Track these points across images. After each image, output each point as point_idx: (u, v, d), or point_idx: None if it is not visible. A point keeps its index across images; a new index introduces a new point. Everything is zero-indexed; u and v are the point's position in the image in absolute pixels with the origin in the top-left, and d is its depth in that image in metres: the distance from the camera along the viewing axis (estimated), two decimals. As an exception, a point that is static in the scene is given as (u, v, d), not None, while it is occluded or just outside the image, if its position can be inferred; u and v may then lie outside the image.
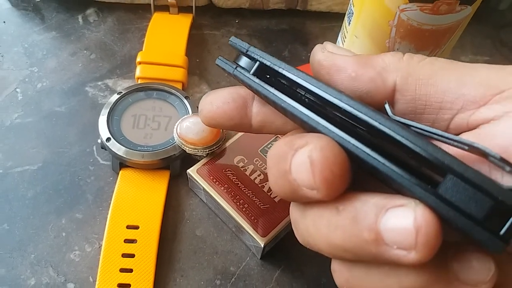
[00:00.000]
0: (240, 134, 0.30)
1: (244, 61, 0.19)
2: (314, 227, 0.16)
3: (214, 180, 0.28)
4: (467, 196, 0.13)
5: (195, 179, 0.28)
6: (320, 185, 0.14)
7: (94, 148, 0.31)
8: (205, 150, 0.28)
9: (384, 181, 0.15)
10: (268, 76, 0.18)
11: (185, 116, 0.30)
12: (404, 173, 0.14)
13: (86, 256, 0.27)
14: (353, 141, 0.15)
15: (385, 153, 0.15)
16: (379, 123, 0.15)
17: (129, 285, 0.26)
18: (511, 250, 0.14)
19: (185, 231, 0.29)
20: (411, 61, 0.17)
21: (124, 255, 0.27)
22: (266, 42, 0.39)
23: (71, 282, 0.26)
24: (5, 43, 0.37)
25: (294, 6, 0.39)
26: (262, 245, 0.26)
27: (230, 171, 0.28)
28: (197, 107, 0.32)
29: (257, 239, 0.26)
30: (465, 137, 0.16)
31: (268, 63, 0.18)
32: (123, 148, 0.29)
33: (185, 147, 0.28)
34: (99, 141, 0.30)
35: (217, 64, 0.19)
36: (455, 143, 0.15)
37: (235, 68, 0.19)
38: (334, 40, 0.34)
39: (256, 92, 0.18)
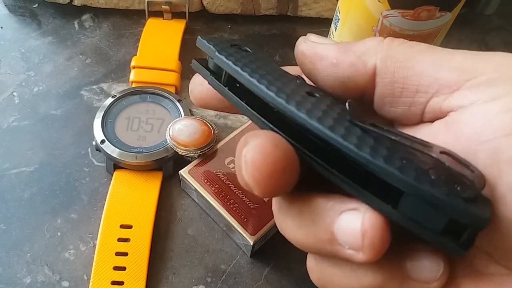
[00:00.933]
0: (231, 136, 0.31)
1: (215, 65, 0.18)
2: (285, 224, 0.17)
3: (206, 181, 0.29)
4: (424, 213, 0.13)
5: (187, 180, 0.29)
6: (252, 184, 0.15)
7: (89, 150, 0.32)
8: (196, 152, 0.29)
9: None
10: (238, 85, 0.17)
11: (178, 118, 0.31)
12: (357, 186, 0.14)
13: (81, 255, 0.28)
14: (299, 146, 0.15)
15: (337, 162, 0.14)
16: (327, 137, 0.14)
17: (122, 282, 0.26)
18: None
19: (177, 231, 0.29)
20: (391, 44, 0.17)
21: (118, 254, 0.27)
22: (258, 47, 0.39)
23: (66, 280, 0.27)
24: (2, 48, 0.38)
25: (285, 12, 0.40)
26: (252, 243, 0.26)
27: (221, 172, 0.29)
28: (190, 110, 0.33)
29: (246, 237, 0.26)
30: (437, 125, 0.16)
31: (231, 74, 0.17)
32: (117, 150, 0.30)
33: (177, 148, 0.29)
34: (93, 143, 0.30)
35: (192, 67, 0.19)
36: (422, 148, 0.14)
37: (209, 74, 0.18)
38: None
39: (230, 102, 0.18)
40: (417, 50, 0.17)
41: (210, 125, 0.30)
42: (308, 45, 0.18)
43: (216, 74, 0.18)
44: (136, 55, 0.36)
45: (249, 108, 0.17)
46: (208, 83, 0.19)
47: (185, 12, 0.39)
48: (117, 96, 0.32)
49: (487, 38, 0.42)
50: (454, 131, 0.15)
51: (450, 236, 0.13)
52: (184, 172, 0.29)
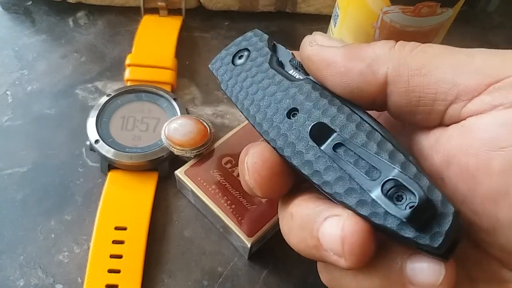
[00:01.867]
0: (228, 135, 0.30)
1: None
2: (282, 226, 0.18)
3: (202, 181, 0.28)
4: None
5: (183, 181, 0.28)
6: (254, 185, 0.17)
7: (83, 150, 0.32)
8: (193, 152, 0.29)
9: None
10: None
11: (173, 117, 0.30)
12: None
13: (75, 257, 0.27)
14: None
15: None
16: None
17: (117, 285, 0.26)
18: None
19: (173, 232, 0.29)
20: (403, 50, 0.16)
21: (112, 256, 0.27)
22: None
23: (59, 283, 0.26)
24: (-5, 46, 0.37)
25: (283, 8, 0.40)
26: (249, 245, 0.26)
27: (218, 172, 0.28)
28: (186, 109, 0.32)
29: (244, 239, 0.26)
30: (452, 129, 0.16)
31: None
32: (112, 150, 0.29)
33: (173, 148, 0.29)
34: (88, 143, 0.30)
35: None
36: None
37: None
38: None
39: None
40: (431, 55, 0.16)
41: (207, 124, 0.30)
42: (314, 50, 0.17)
43: None
44: (131, 52, 0.35)
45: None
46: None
47: (182, 8, 0.38)
48: (112, 95, 0.31)
49: (489, 36, 0.42)
50: (470, 135, 0.15)
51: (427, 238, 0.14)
52: (180, 173, 0.28)
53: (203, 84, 0.36)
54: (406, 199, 0.14)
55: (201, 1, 0.39)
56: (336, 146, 0.16)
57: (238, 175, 0.28)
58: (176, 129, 0.29)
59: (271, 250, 0.28)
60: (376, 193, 0.14)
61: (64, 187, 0.30)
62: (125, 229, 0.28)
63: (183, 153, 0.29)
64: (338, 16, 0.28)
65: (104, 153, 0.29)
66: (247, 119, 0.19)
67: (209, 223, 0.29)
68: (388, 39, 0.26)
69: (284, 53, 0.20)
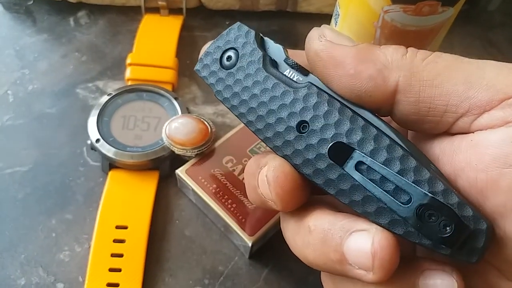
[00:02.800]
0: (229, 134, 0.30)
1: None
2: (293, 240, 0.17)
3: (203, 180, 0.28)
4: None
5: (184, 180, 0.28)
6: (275, 199, 0.16)
7: (84, 149, 0.32)
8: (194, 151, 0.29)
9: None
10: None
11: (174, 116, 0.30)
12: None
13: (76, 256, 0.27)
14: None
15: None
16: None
17: (118, 284, 0.26)
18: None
19: (174, 231, 0.29)
20: (414, 59, 0.16)
21: (113, 255, 0.27)
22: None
23: (60, 282, 0.27)
24: (-4, 46, 0.37)
25: (284, 7, 0.40)
26: (250, 244, 0.26)
27: (219, 171, 0.28)
28: (187, 108, 0.32)
29: (245, 238, 0.26)
30: (459, 140, 0.15)
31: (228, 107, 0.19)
32: (113, 149, 0.29)
33: (174, 147, 0.29)
34: (88, 142, 0.30)
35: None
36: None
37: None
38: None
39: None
40: (443, 66, 0.15)
41: (208, 123, 0.30)
42: (324, 46, 0.16)
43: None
44: (132, 52, 0.35)
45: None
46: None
47: (183, 8, 0.38)
48: (113, 94, 0.31)
49: (490, 35, 0.42)
50: (479, 151, 0.15)
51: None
52: (181, 172, 0.28)
53: (204, 83, 0.36)
54: (439, 217, 0.14)
55: (201, 0, 0.39)
56: (358, 164, 0.15)
57: (239, 174, 0.28)
58: (177, 128, 0.29)
59: (272, 249, 0.28)
60: (408, 217, 0.15)
61: (65, 186, 0.30)
62: (126, 228, 0.28)
63: (184, 152, 0.29)
64: (339, 15, 0.28)
65: (105, 152, 0.29)
66: (253, 132, 0.18)
67: (210, 222, 0.29)
68: (389, 38, 0.26)
69: (275, 49, 0.18)
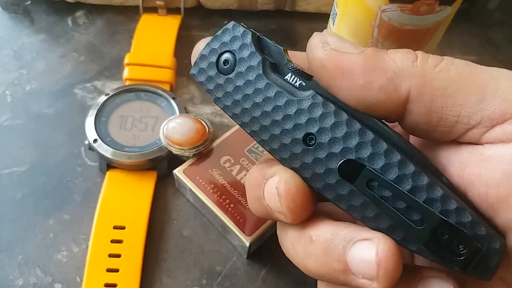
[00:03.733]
0: (227, 134, 0.30)
1: None
2: (293, 250, 0.17)
3: (201, 180, 0.28)
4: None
5: (182, 180, 0.28)
6: (286, 212, 0.16)
7: (82, 149, 0.32)
8: (191, 151, 0.28)
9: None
10: None
11: (172, 116, 0.30)
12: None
13: (74, 257, 0.27)
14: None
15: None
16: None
17: (116, 284, 0.26)
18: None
19: (172, 231, 0.29)
20: (426, 65, 0.15)
21: (111, 255, 0.27)
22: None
23: (58, 282, 0.26)
24: (-6, 46, 0.37)
25: (283, 7, 0.40)
26: (248, 245, 0.26)
27: (217, 171, 0.28)
28: (185, 108, 0.32)
29: (243, 238, 0.26)
30: (468, 151, 0.15)
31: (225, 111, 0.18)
32: (110, 149, 0.29)
33: (171, 147, 0.29)
34: (86, 142, 0.30)
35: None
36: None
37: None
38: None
39: None
40: (456, 74, 0.15)
41: (205, 123, 0.30)
42: (329, 55, 0.16)
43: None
44: (130, 52, 0.35)
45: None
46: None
47: (181, 7, 0.38)
48: (111, 94, 0.31)
49: (489, 33, 0.42)
50: (490, 166, 0.14)
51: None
52: (178, 172, 0.28)
53: (202, 83, 0.36)
54: (453, 238, 0.14)
55: (199, 0, 0.39)
56: (369, 182, 0.15)
57: (237, 174, 0.28)
58: (174, 128, 0.29)
59: (270, 249, 0.28)
60: (421, 237, 0.14)
61: (62, 186, 0.30)
62: (123, 228, 0.28)
63: (182, 152, 0.28)
64: (336, 14, 0.28)
65: (102, 152, 0.29)
66: (258, 142, 0.17)
67: (208, 222, 0.29)
68: (387, 37, 0.26)
69: (275, 52, 0.17)
